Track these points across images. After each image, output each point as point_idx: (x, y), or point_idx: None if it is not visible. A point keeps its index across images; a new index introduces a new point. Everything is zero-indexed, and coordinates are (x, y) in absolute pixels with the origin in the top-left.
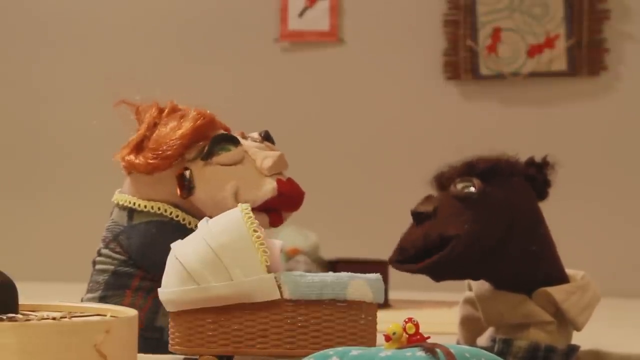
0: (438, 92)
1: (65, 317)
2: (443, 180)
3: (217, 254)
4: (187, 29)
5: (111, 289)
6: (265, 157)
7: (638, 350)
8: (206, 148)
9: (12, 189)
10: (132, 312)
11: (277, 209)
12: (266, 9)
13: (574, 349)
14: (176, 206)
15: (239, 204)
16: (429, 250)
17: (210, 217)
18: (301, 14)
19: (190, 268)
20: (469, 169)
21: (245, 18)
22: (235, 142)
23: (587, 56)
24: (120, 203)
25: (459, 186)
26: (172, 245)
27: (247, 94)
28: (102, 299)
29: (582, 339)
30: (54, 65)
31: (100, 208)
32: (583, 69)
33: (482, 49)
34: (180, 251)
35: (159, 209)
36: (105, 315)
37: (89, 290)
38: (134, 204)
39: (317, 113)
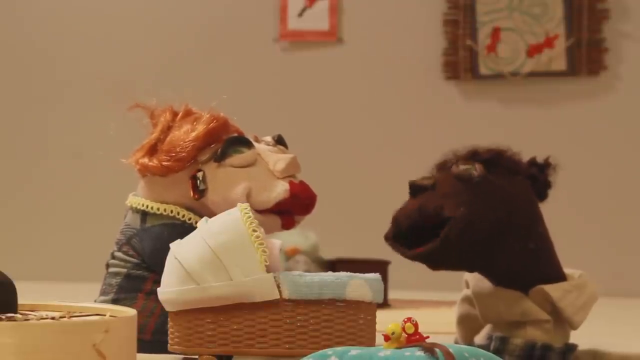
0: (438, 92)
1: (65, 317)
2: (446, 167)
3: (216, 254)
4: (186, 28)
5: (124, 292)
6: (278, 160)
7: (636, 350)
8: (219, 150)
9: (13, 189)
10: (131, 312)
11: (289, 211)
12: (266, 8)
13: (571, 347)
14: (189, 209)
15: (238, 203)
16: (424, 225)
17: None
18: (301, 14)
19: (190, 268)
20: (472, 155)
21: (245, 17)
22: (248, 144)
23: (586, 56)
24: (134, 206)
25: (461, 167)
26: (171, 245)
27: (247, 93)
28: (115, 302)
29: (580, 338)
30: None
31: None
32: (582, 69)
33: (481, 48)
34: (179, 251)
35: (171, 211)
36: (104, 315)
37: (102, 293)
38: (147, 206)
39: (316, 113)
